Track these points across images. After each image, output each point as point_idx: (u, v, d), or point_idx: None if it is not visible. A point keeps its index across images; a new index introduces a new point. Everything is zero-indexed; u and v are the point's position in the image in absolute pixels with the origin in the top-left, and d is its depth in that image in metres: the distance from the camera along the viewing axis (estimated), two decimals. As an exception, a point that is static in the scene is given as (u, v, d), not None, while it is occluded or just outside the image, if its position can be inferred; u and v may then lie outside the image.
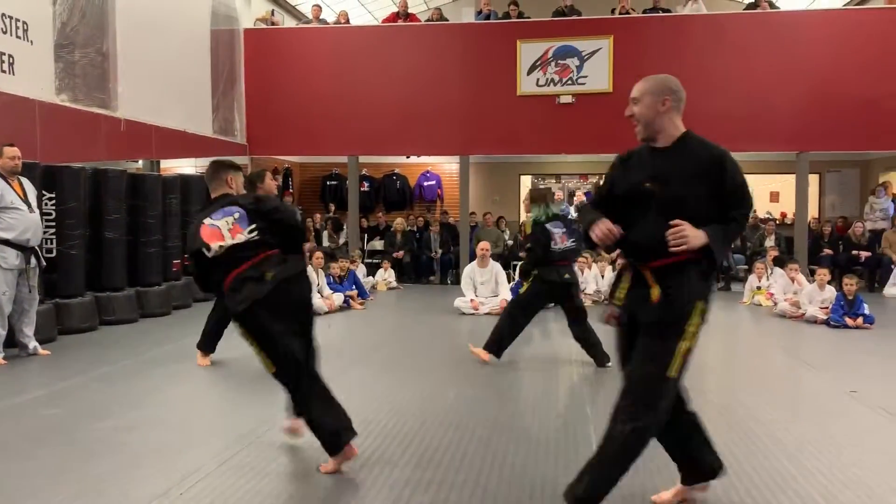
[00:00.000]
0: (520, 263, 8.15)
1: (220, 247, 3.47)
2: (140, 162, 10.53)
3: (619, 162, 3.13)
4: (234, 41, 12.22)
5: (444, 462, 3.62)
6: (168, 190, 9.14)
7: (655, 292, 2.84)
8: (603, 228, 2.87)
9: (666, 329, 2.81)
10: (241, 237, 3.49)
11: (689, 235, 2.73)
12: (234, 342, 6.55)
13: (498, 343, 6.02)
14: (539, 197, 6.27)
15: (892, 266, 10.97)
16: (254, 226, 3.51)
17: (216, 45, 11.52)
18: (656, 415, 2.78)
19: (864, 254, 11.43)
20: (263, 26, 12.91)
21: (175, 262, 9.19)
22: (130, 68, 9.03)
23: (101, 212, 7.91)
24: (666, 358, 2.78)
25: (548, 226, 5.99)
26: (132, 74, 9.07)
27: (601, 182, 3.27)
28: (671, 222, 2.76)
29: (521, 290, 6.25)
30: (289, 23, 14.35)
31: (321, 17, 13.27)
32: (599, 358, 5.96)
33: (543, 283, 5.97)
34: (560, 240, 5.95)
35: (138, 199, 8.57)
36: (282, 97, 12.39)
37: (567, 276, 6.03)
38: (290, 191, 13.84)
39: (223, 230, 3.51)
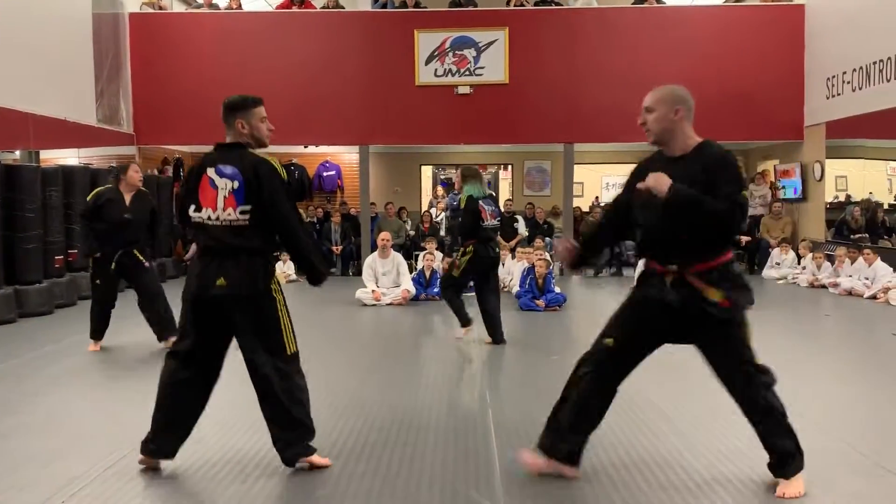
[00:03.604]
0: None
1: (209, 217, 3.16)
2: (17, 153, 9.89)
3: (637, 170, 3.25)
4: (118, 25, 11.63)
5: (343, 452, 3.60)
6: (48, 182, 8.62)
7: (716, 294, 2.98)
8: (561, 246, 3.07)
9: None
10: (231, 214, 3.15)
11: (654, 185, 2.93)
12: (117, 337, 6.32)
13: (466, 318, 6.49)
14: (473, 174, 6.56)
15: (770, 249, 11.68)
16: (249, 206, 3.14)
17: (98, 28, 10.93)
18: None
19: (744, 238, 12.10)
20: (150, 10, 12.34)
21: (58, 257, 8.70)
22: (1, 52, 8.44)
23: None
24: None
25: (480, 202, 6.29)
26: (3, 58, 8.48)
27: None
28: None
29: (453, 269, 6.50)
30: (178, 7, 13.77)
31: (212, 2, 12.82)
32: (498, 336, 6.34)
33: (477, 257, 6.29)
34: (489, 217, 6.32)
35: (15, 192, 8.05)
36: (171, 84, 11.91)
37: (497, 250, 6.49)
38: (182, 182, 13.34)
39: (219, 196, 3.16)
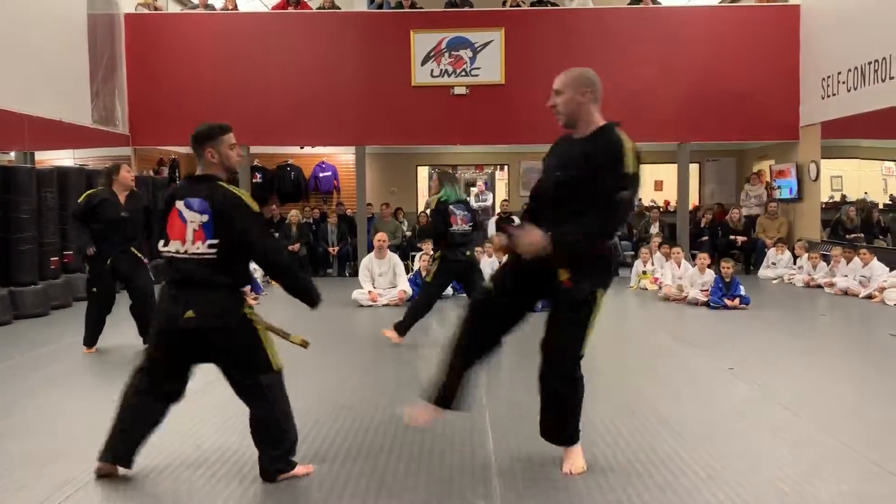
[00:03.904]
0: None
1: (178, 251, 3.14)
2: (12, 154, 9.85)
3: (549, 152, 3.35)
4: (113, 26, 11.59)
5: (340, 454, 3.59)
6: (43, 183, 8.60)
7: (563, 274, 3.06)
8: (497, 240, 3.29)
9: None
10: (200, 248, 3.11)
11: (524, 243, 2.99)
12: (112, 339, 6.29)
13: (408, 324, 6.40)
14: (448, 178, 6.62)
15: (766, 249, 11.70)
16: (217, 240, 3.10)
17: (94, 29, 10.89)
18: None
19: (740, 238, 12.12)
20: (145, 11, 12.31)
21: (53, 259, 8.66)
22: (-3, 53, 8.43)
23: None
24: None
25: (451, 206, 6.32)
26: (-1, 59, 8.47)
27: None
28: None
29: (427, 276, 6.63)
30: (173, 8, 13.75)
31: (208, 3, 12.79)
32: None
33: (447, 262, 6.34)
34: (460, 222, 6.34)
35: (10, 194, 8.02)
36: (167, 85, 11.88)
37: (468, 253, 6.49)
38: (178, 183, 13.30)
39: (188, 230, 3.13)
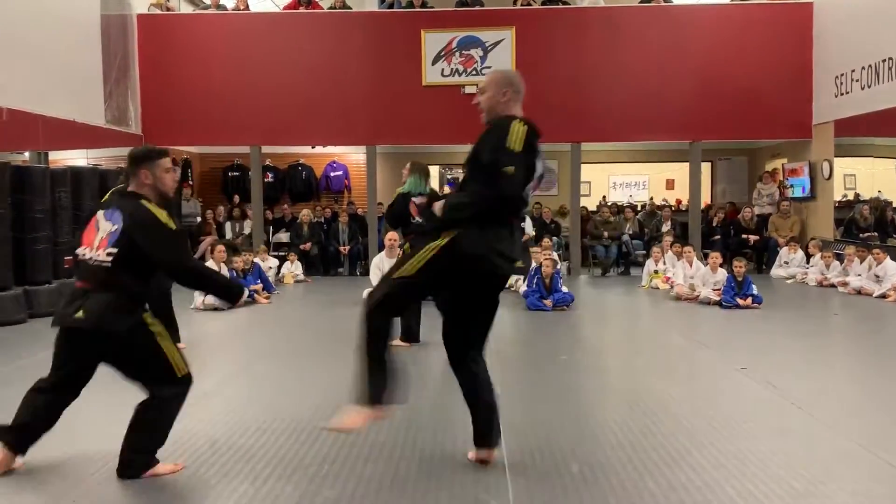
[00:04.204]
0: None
1: (84, 255, 3.31)
2: (27, 154, 9.94)
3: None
4: (126, 26, 11.67)
5: (352, 455, 3.60)
6: (57, 183, 8.67)
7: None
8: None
9: None
10: (100, 255, 3.26)
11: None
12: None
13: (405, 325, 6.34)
14: (418, 169, 6.36)
15: (778, 248, 11.64)
16: (116, 249, 3.24)
17: (107, 30, 10.98)
18: None
19: (752, 237, 12.06)
20: (158, 11, 12.39)
21: (67, 258, 8.73)
22: (10, 53, 8.49)
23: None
24: None
25: (413, 199, 6.11)
26: (13, 60, 8.53)
27: None
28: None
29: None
30: (185, 8, 13.83)
31: (220, 3, 12.86)
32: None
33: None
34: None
35: (24, 194, 8.10)
36: (179, 85, 11.95)
37: None
38: (190, 182, 13.38)
39: (97, 237, 3.32)
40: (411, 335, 6.30)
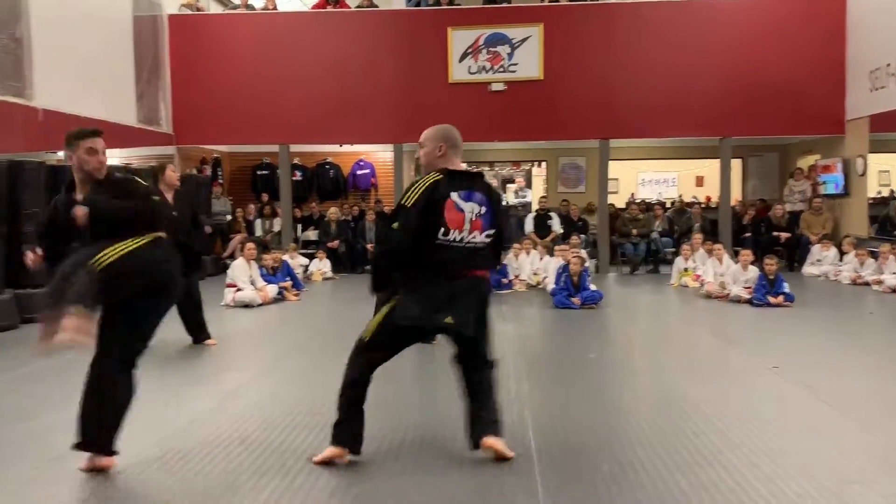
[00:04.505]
0: None
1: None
2: (61, 153, 10.11)
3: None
4: (157, 27, 11.84)
5: (381, 451, 3.63)
6: (91, 182, 8.80)
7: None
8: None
9: None
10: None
11: None
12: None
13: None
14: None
15: (810, 246, 11.46)
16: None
17: (139, 31, 11.15)
18: None
19: (784, 235, 11.89)
20: (188, 12, 12.54)
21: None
22: (47, 55, 8.66)
23: (18, 206, 7.57)
24: None
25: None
26: (49, 62, 8.69)
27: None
28: None
29: None
30: (215, 8, 13.98)
31: (249, 3, 12.98)
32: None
33: None
34: None
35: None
36: (209, 85, 12.09)
37: None
38: (220, 181, 13.53)
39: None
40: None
